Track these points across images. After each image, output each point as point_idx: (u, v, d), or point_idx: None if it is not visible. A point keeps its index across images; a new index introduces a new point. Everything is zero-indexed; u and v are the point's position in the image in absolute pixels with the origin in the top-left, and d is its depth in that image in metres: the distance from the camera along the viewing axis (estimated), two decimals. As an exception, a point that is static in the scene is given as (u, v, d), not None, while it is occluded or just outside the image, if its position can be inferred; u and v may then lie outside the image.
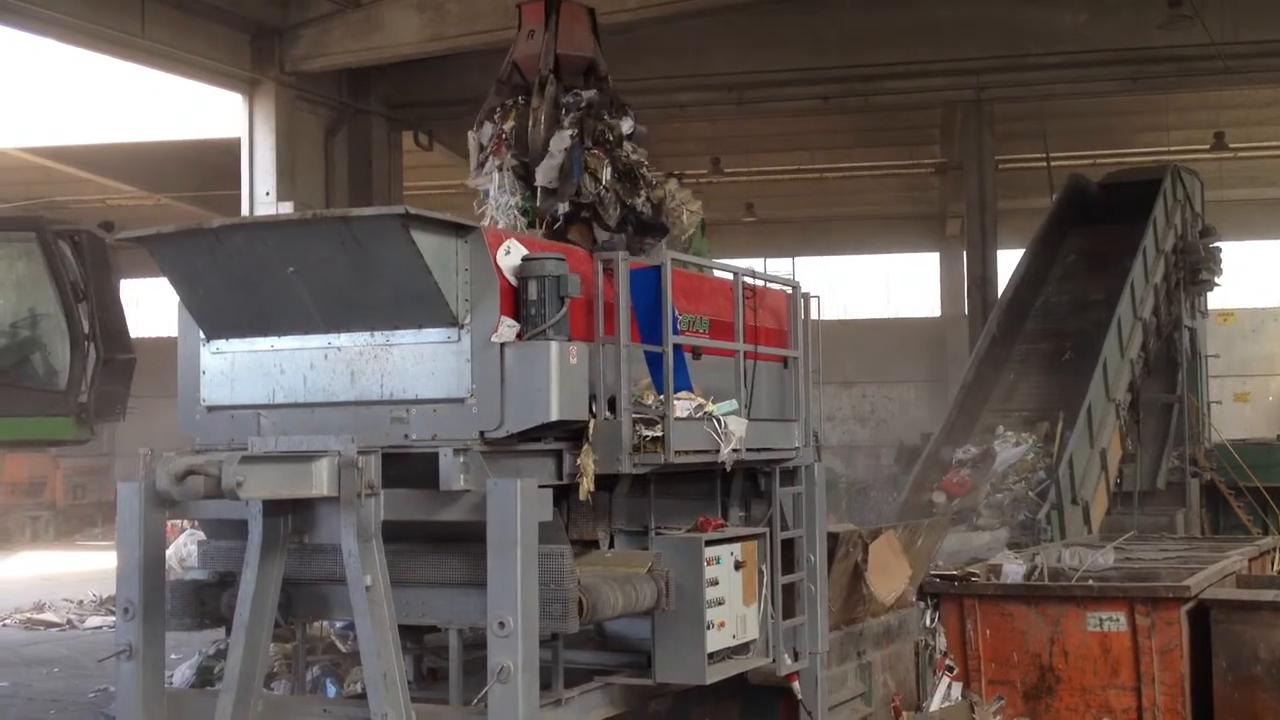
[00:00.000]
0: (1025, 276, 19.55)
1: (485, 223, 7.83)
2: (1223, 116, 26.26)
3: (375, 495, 5.63)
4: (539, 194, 7.85)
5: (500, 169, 8.10)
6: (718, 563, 6.54)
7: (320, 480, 5.56)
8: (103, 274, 17.11)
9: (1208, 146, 26.42)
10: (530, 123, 7.95)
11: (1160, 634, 9.59)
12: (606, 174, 7.87)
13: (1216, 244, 20.66)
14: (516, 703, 5.44)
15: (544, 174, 7.85)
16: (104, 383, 16.83)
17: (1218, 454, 20.39)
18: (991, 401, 17.72)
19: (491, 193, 8.07)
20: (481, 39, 18.07)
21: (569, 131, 7.88)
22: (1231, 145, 26.51)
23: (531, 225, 7.81)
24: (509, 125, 8.18)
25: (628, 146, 8.12)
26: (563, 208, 7.73)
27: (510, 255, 5.98)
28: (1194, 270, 19.91)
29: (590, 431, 6.06)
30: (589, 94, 8.09)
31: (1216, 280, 20.65)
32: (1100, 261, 19.20)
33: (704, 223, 11.08)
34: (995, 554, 11.94)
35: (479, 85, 9.35)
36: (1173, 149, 25.28)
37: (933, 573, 10.45)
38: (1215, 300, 22.54)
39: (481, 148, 8.28)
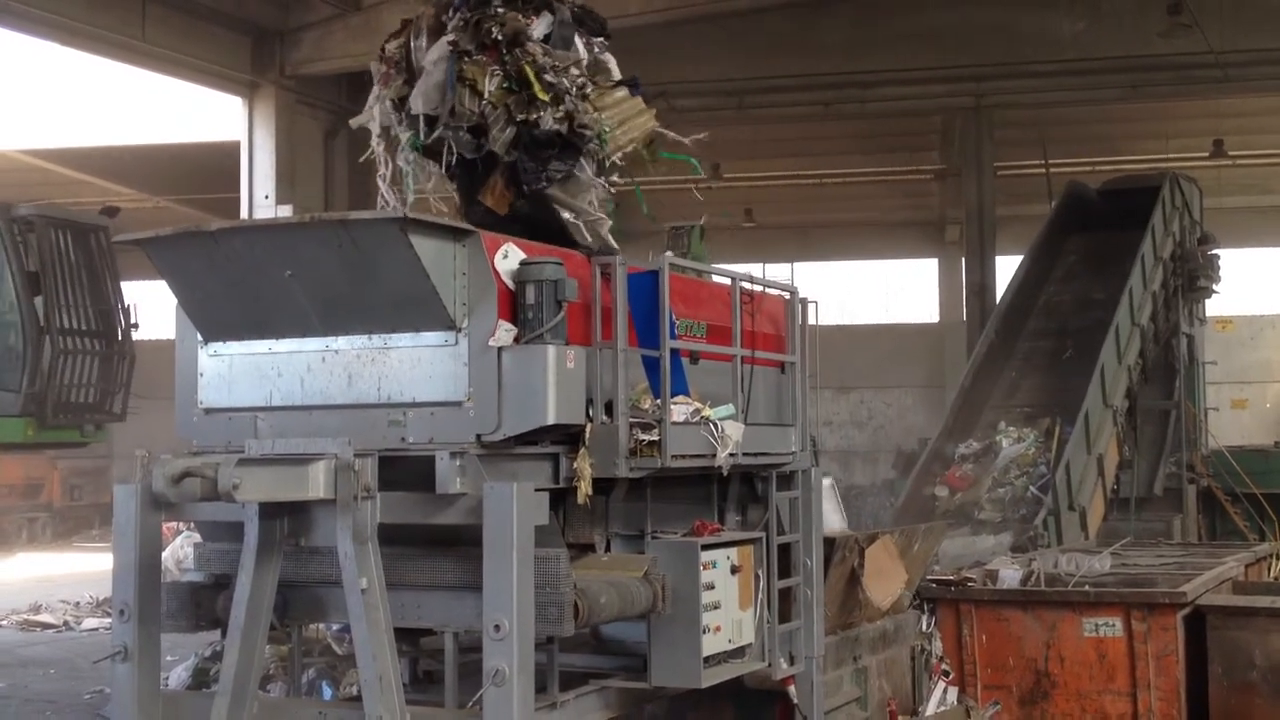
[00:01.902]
0: (1024, 282, 19.58)
1: (381, 172, 6.94)
2: (1221, 124, 26.27)
3: (372, 498, 5.64)
4: (420, 125, 6.76)
5: (380, 100, 6.98)
6: (714, 567, 6.55)
7: (317, 483, 5.57)
8: (99, 264, 15.99)
9: (1206, 154, 26.43)
10: (412, 34, 6.89)
11: (1156, 640, 9.60)
12: (489, 85, 6.59)
13: (1214, 251, 20.70)
14: (512, 706, 5.44)
15: (419, 97, 6.72)
16: (91, 380, 15.79)
17: (1215, 460, 20.41)
18: (994, 398, 17.81)
19: (374, 132, 7.01)
20: (481, 43, 18.06)
21: (448, 38, 6.74)
22: (1230, 153, 26.52)
23: (453, 167, 6.72)
24: (395, 45, 7.00)
25: (535, 49, 6.73)
26: (463, 140, 6.53)
27: (508, 259, 5.99)
28: (1192, 277, 19.95)
29: (587, 435, 6.07)
30: None
31: (1214, 287, 20.69)
32: (1101, 262, 19.25)
33: (703, 229, 10.97)
34: (997, 558, 11.95)
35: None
36: (1171, 156, 25.32)
37: (929, 578, 10.45)
38: (1213, 307, 22.58)
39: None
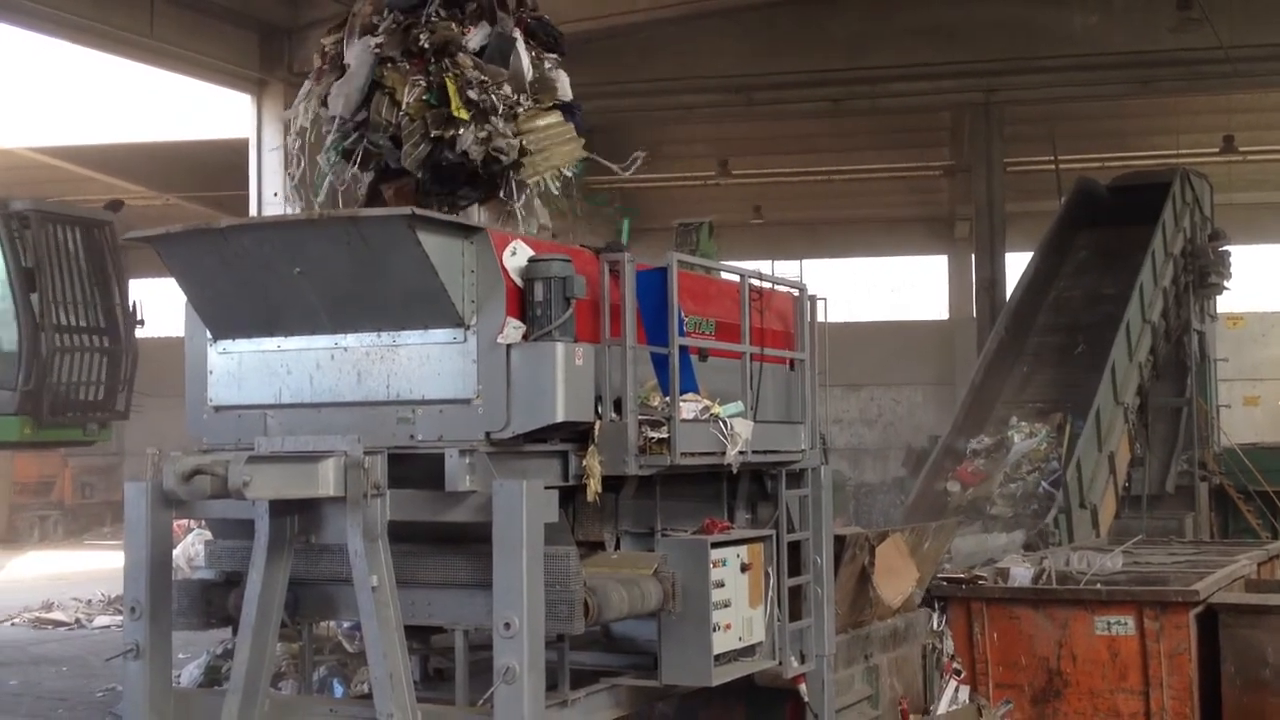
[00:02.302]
0: (1034, 278, 19.53)
1: (290, 170, 6.68)
2: (1232, 120, 26.21)
3: (381, 495, 5.63)
4: (336, 127, 6.48)
5: (307, 98, 6.69)
6: (724, 565, 6.53)
7: (326, 480, 5.56)
8: (103, 259, 15.69)
9: (1217, 150, 26.38)
10: (347, 31, 6.61)
11: (1169, 638, 9.57)
12: (408, 96, 6.27)
13: (1226, 247, 20.61)
14: (522, 703, 5.43)
15: (339, 98, 6.43)
16: (95, 378, 15.51)
17: (1227, 458, 20.34)
18: (1005, 394, 17.79)
19: (293, 129, 6.75)
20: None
21: (376, 40, 6.42)
22: (1241, 149, 26.46)
23: (384, 171, 6.38)
24: (331, 41, 6.72)
25: (465, 61, 6.35)
26: (386, 147, 6.22)
27: (516, 256, 5.98)
28: (1203, 274, 19.87)
29: (596, 433, 6.06)
30: None
31: (1225, 284, 20.60)
32: (1112, 258, 19.21)
33: (711, 225, 10.92)
34: (1008, 557, 11.92)
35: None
36: (1182, 152, 25.25)
37: (940, 576, 10.43)
38: (1224, 304, 22.50)
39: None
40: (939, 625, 10.17)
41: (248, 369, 6.41)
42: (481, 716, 5.68)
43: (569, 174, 6.89)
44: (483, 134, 6.26)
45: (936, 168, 30.46)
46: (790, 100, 24.50)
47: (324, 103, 6.60)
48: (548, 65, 6.86)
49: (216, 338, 6.50)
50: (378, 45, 6.35)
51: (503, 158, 6.39)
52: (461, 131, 6.25)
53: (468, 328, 5.90)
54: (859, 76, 23.34)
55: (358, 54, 6.38)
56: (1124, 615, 9.73)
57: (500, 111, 6.36)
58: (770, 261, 29.50)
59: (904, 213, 32.63)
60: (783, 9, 22.63)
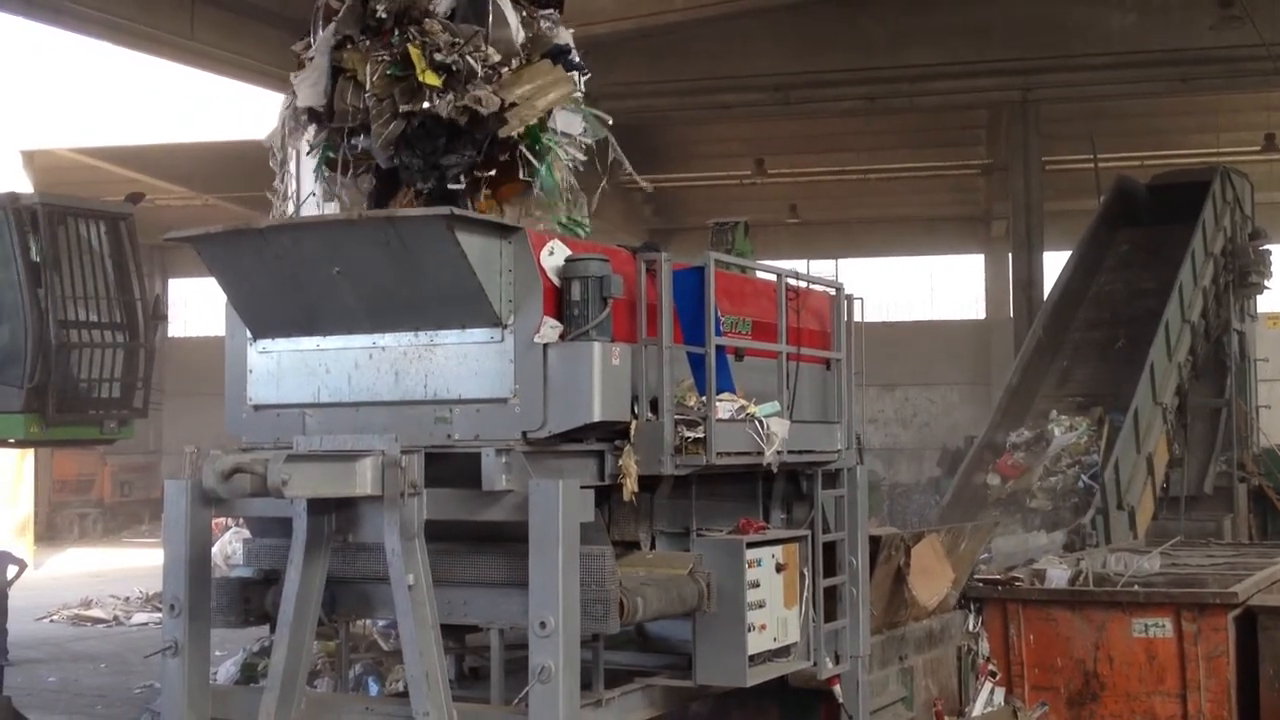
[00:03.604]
0: (1072, 277, 19.42)
1: (276, 185, 6.32)
2: (1273, 118, 25.98)
3: (418, 495, 5.65)
4: (303, 120, 6.07)
5: (289, 106, 6.21)
6: (759, 565, 6.53)
7: (364, 479, 5.59)
8: (123, 253, 15.31)
9: (1258, 148, 26.14)
10: (312, 24, 6.20)
11: (1206, 641, 9.49)
12: (372, 74, 5.77)
13: (1266, 246, 20.43)
14: (557, 703, 5.44)
15: (302, 89, 6.00)
16: (112, 375, 15.12)
17: (1266, 459, 20.15)
18: (1044, 388, 17.73)
19: (276, 142, 6.39)
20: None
21: (335, 23, 5.99)
22: (1282, 146, 26.23)
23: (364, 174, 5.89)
24: (302, 44, 6.25)
25: (433, 25, 5.82)
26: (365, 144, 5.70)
27: (554, 256, 5.99)
28: (1243, 273, 19.69)
29: (632, 432, 6.06)
30: None
31: (1266, 283, 20.41)
32: (1152, 255, 19.10)
33: (747, 224, 10.87)
34: (1045, 558, 11.86)
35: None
36: (1222, 150, 25.04)
37: (976, 577, 10.38)
38: (1265, 303, 22.29)
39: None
40: (974, 627, 10.13)
41: (287, 368, 6.44)
42: (517, 716, 5.70)
43: (587, 140, 6.26)
44: (459, 101, 5.69)
45: (974, 166, 30.32)
46: (827, 99, 24.46)
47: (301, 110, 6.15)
48: (544, 24, 6.37)
49: (256, 337, 6.54)
50: (335, 29, 5.95)
51: (479, 109, 5.74)
52: (436, 102, 5.71)
53: (505, 327, 5.92)
54: (896, 75, 23.28)
55: (319, 43, 6.00)
56: (1161, 618, 9.67)
57: (479, 74, 5.76)
58: (806, 261, 29.52)
59: (940, 212, 32.51)
60: (819, 7, 22.59)
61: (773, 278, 7.18)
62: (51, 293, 13.96)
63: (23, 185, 22.85)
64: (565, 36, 6.45)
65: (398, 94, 5.77)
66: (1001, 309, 30.15)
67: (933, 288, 33.64)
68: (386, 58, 5.78)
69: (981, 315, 32.70)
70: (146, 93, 24.43)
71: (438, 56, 5.70)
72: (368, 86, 5.78)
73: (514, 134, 5.83)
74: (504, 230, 5.94)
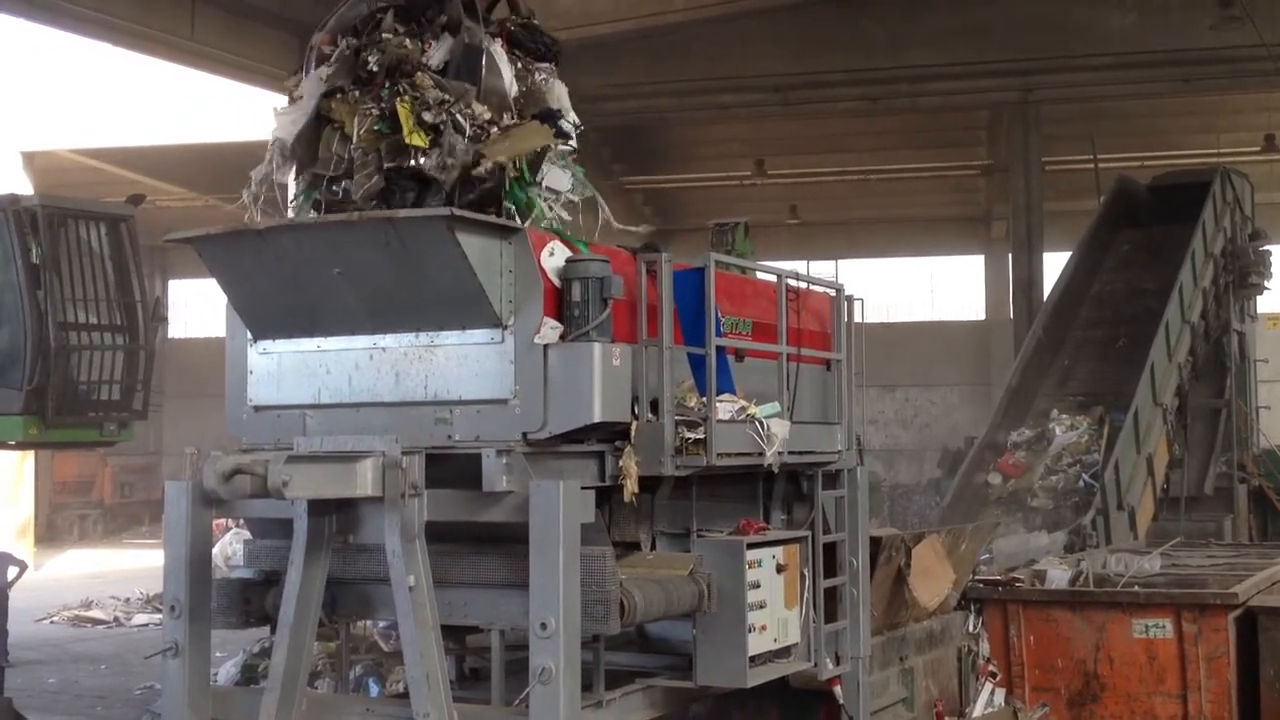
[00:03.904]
0: (1072, 278, 19.43)
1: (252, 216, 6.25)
2: (1274, 118, 25.98)
3: (419, 496, 5.66)
4: (289, 159, 6.06)
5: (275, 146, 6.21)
6: (759, 566, 6.53)
7: (365, 480, 5.60)
8: (123, 255, 15.21)
9: (1258, 148, 26.15)
10: (303, 67, 6.20)
11: (1207, 641, 9.49)
12: (359, 127, 5.83)
13: (1266, 247, 20.45)
14: (558, 704, 5.44)
15: (282, 121, 6.01)
16: (112, 376, 15.03)
17: (1266, 459, 20.16)
18: (1045, 387, 17.76)
19: (254, 179, 6.39)
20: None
21: (326, 70, 6.04)
22: (1283, 147, 26.23)
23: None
24: (293, 80, 6.32)
25: (425, 80, 5.86)
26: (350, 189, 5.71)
27: (554, 256, 5.99)
28: (1243, 274, 19.70)
29: (633, 433, 6.06)
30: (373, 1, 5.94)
31: (1266, 284, 20.43)
32: (1153, 254, 19.12)
33: (747, 225, 10.88)
34: (1045, 558, 11.87)
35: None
36: (1223, 151, 25.04)
37: (976, 578, 10.38)
38: (1265, 304, 22.31)
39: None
40: (975, 627, 10.13)
41: (287, 369, 6.45)
42: (517, 717, 5.70)
43: (574, 198, 6.28)
44: (448, 160, 5.77)
45: (974, 167, 30.32)
46: (827, 100, 24.47)
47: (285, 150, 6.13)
48: (539, 76, 6.39)
49: (257, 338, 6.54)
50: (325, 76, 5.99)
51: (449, 161, 5.79)
52: (422, 160, 5.77)
53: (505, 328, 5.92)
54: (896, 75, 23.28)
55: (309, 87, 6.03)
56: (1162, 618, 9.67)
57: (467, 132, 5.81)
58: (806, 261, 29.52)
59: (941, 212, 32.50)
60: (819, 8, 22.60)
61: (773, 278, 7.18)
62: (51, 295, 13.90)
63: (23, 187, 22.87)
64: (558, 91, 6.43)
65: (383, 149, 5.85)
66: (1002, 310, 30.15)
67: (933, 288, 33.64)
68: (375, 111, 5.85)
69: (982, 316, 32.69)
70: (147, 93, 24.44)
71: (426, 115, 5.76)
72: (354, 140, 5.86)
73: (498, 187, 5.83)
74: (504, 231, 5.94)
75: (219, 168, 27.62)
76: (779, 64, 23.09)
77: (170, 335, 34.87)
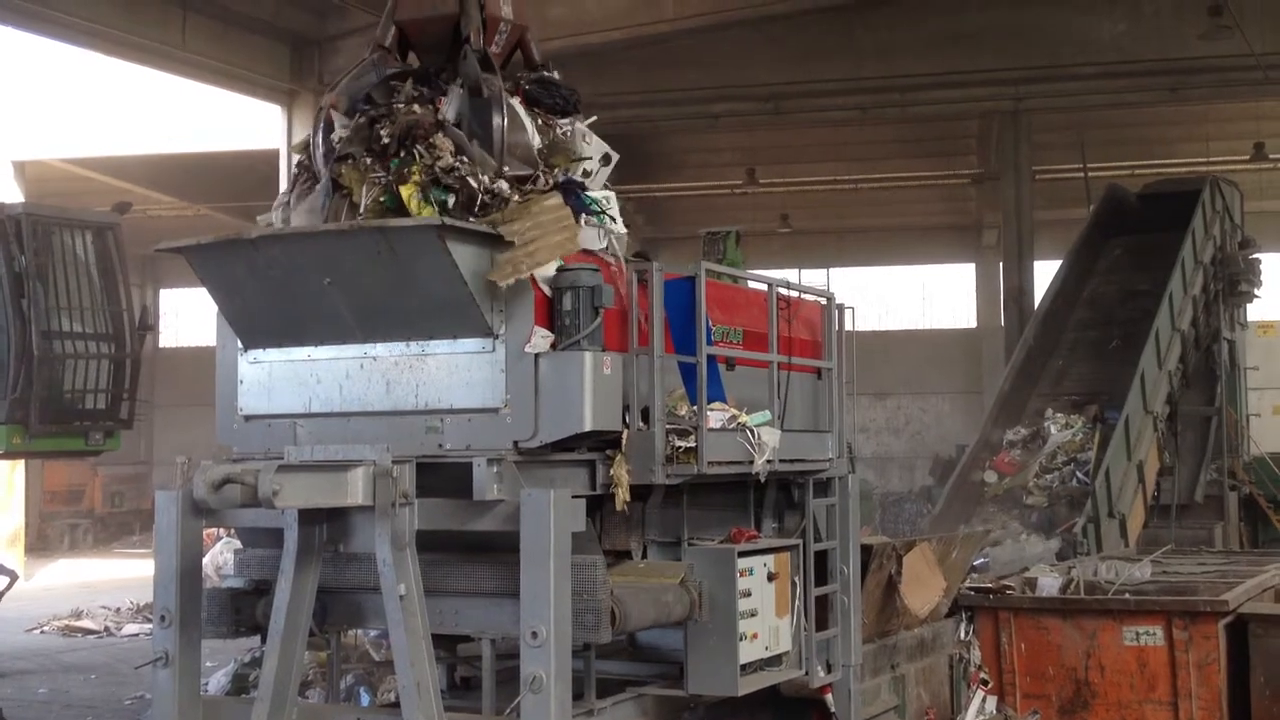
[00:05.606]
0: (1062, 286, 19.49)
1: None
2: (1263, 127, 26.05)
3: (410, 505, 5.66)
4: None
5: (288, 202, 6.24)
6: (751, 574, 6.54)
7: (355, 489, 5.60)
8: (110, 263, 15.12)
9: (1247, 157, 26.21)
10: (314, 129, 6.29)
11: (1198, 648, 9.50)
12: (366, 197, 5.94)
13: (1256, 255, 20.48)
14: (549, 712, 5.45)
15: (298, 210, 6.15)
16: (98, 385, 14.92)
17: (1256, 467, 20.19)
18: (1041, 386, 17.87)
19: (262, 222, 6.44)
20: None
21: (338, 135, 6.13)
22: (1271, 156, 26.29)
23: None
24: (300, 143, 6.42)
25: (444, 143, 5.93)
26: None
27: (545, 266, 5.99)
28: (1233, 282, 19.73)
29: (624, 442, 6.07)
30: (383, 69, 6.04)
31: (1256, 292, 20.46)
32: (1145, 257, 19.20)
33: (739, 233, 10.90)
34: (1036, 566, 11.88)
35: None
36: (1212, 160, 25.11)
37: (968, 585, 10.39)
38: (1255, 312, 22.34)
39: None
40: (966, 635, 10.14)
41: (278, 378, 6.45)
42: (509, 725, 5.70)
43: (608, 259, 6.20)
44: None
45: (965, 176, 30.37)
46: (818, 109, 24.49)
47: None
48: (560, 131, 6.39)
49: (247, 347, 6.54)
50: (338, 141, 6.04)
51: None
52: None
53: (496, 337, 5.93)
54: (888, 85, 23.31)
55: (322, 156, 6.01)
56: (1153, 625, 9.67)
57: (478, 202, 5.82)
58: (797, 270, 29.56)
59: (932, 221, 32.55)
60: (811, 18, 22.62)
61: (764, 287, 7.20)
62: (36, 303, 13.84)
63: (13, 196, 22.80)
64: (584, 136, 6.42)
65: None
66: (992, 318, 30.18)
67: (924, 297, 33.68)
68: (384, 180, 5.91)
69: (973, 324, 32.74)
70: (137, 103, 24.42)
71: (434, 194, 5.79)
72: (361, 209, 5.93)
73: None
74: (495, 240, 5.95)
75: (210, 177, 27.70)
76: (770, 73, 23.12)
77: (161, 344, 34.84)
